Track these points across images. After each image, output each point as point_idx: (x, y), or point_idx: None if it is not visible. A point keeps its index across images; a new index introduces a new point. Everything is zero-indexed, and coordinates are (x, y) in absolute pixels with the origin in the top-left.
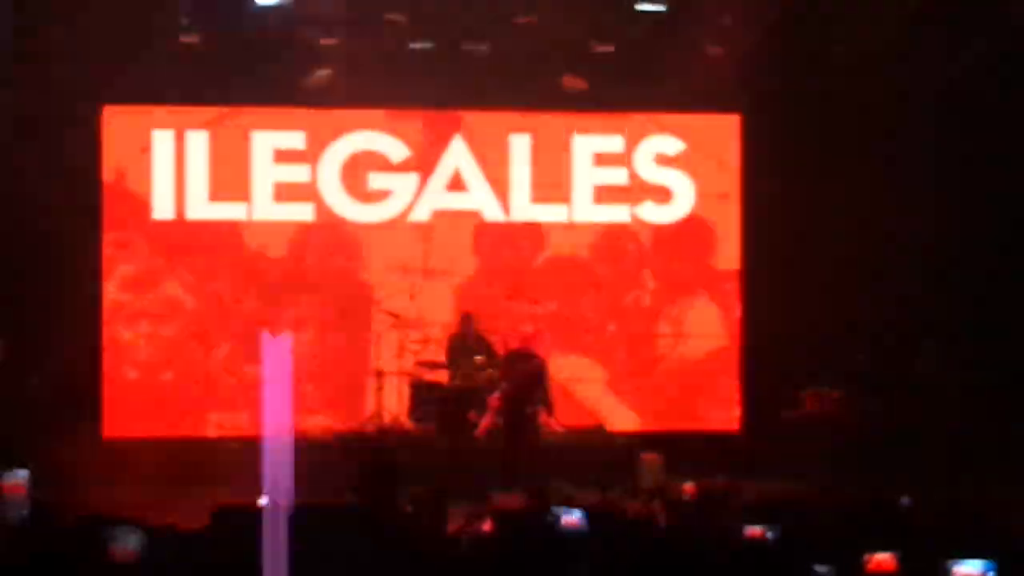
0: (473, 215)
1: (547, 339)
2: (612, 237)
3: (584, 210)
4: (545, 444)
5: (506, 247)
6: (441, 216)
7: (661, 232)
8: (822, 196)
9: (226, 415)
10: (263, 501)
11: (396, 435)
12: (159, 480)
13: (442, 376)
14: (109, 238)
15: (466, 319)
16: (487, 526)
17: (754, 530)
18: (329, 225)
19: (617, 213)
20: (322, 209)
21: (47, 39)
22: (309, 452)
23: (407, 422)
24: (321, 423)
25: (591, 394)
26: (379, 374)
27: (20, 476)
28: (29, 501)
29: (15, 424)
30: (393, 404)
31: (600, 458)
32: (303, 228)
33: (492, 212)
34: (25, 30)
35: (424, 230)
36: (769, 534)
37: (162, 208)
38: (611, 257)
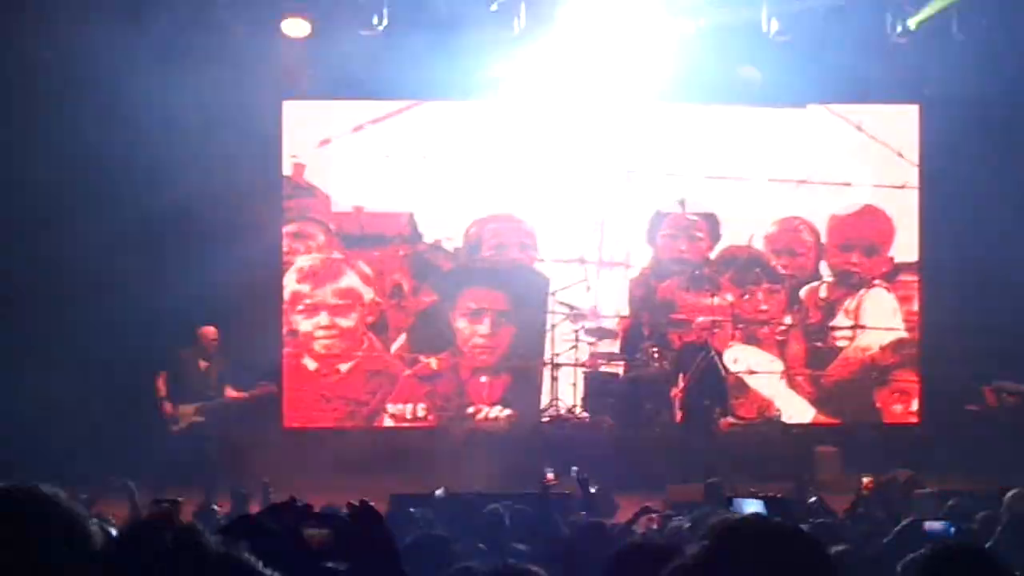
0: (644, 207)
1: (723, 331)
2: (788, 227)
3: (761, 200)
4: (720, 437)
5: (682, 238)
6: (616, 208)
7: (838, 222)
8: (1003, 186)
9: (402, 407)
10: (439, 492)
11: (571, 425)
12: (338, 468)
13: (617, 367)
14: (289, 230)
15: (641, 310)
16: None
17: (933, 524)
18: (505, 217)
19: (794, 203)
20: (498, 201)
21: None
22: (487, 442)
23: (582, 413)
24: (496, 414)
25: (767, 386)
26: (554, 365)
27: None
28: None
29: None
30: (568, 395)
31: (776, 451)
32: (483, 220)
33: (668, 202)
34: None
35: (600, 220)
36: (950, 528)
37: (340, 200)
38: (787, 248)
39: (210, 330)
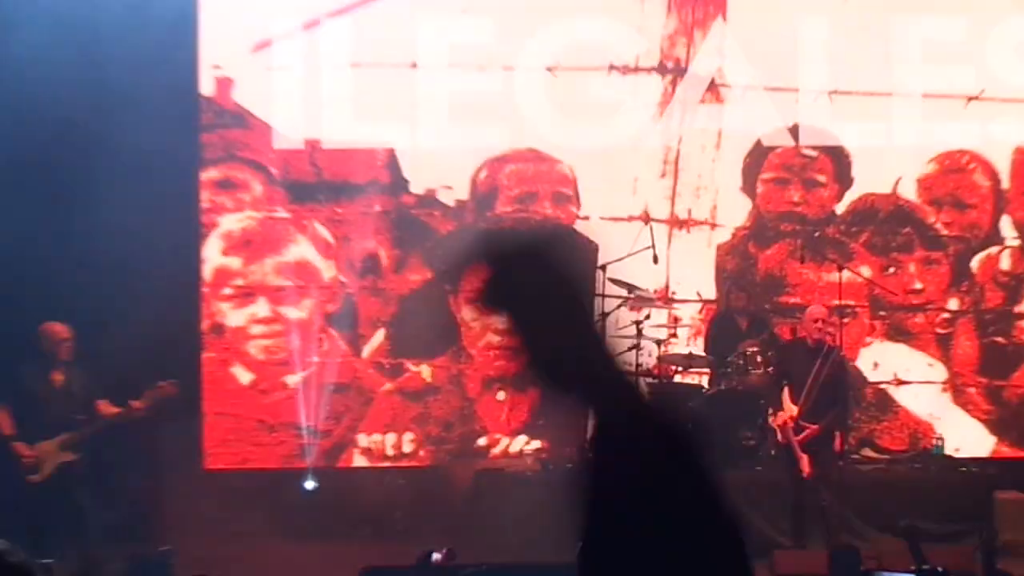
0: (738, 138)
1: (856, 321)
2: (952, 168)
3: (909, 128)
4: (852, 477)
5: (795, 183)
6: (695, 140)
7: None
8: None
9: (379, 437)
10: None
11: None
12: (284, 529)
13: (700, 376)
14: (210, 177)
15: (734, 292)
16: None
17: None
18: (531, 155)
19: (959, 132)
20: (520, 132)
21: None
22: (506, 488)
23: None
24: (520, 447)
25: (923, 403)
26: None
27: None
28: None
29: None
30: None
31: (938, 499)
32: (498, 159)
33: (770, 133)
34: None
35: (670, 162)
36: None
37: (286, 133)
38: (952, 197)
39: (56, 328)
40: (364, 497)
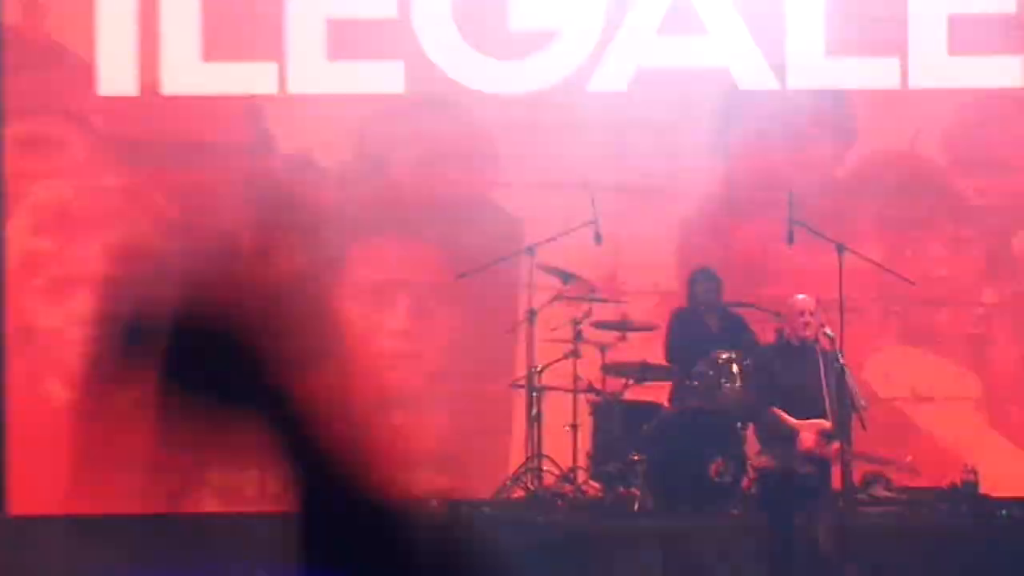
0: (714, 77)
1: (862, 319)
2: (988, 117)
3: (933, 66)
4: (854, 520)
5: (776, 138)
6: (651, 82)
7: None
8: None
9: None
10: None
11: (570, 510)
12: None
13: (657, 393)
14: (14, 133)
15: (702, 282)
16: None
17: None
18: (436, 101)
19: (996, 70)
20: (419, 71)
21: None
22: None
23: (588, 484)
24: (423, 488)
25: (952, 427)
26: (535, 389)
27: None
28: None
29: None
30: (563, 449)
31: (970, 548)
32: (393, 108)
33: (750, 72)
34: None
35: (616, 108)
36: None
37: (115, 76)
38: (986, 157)
39: None
40: (214, 548)
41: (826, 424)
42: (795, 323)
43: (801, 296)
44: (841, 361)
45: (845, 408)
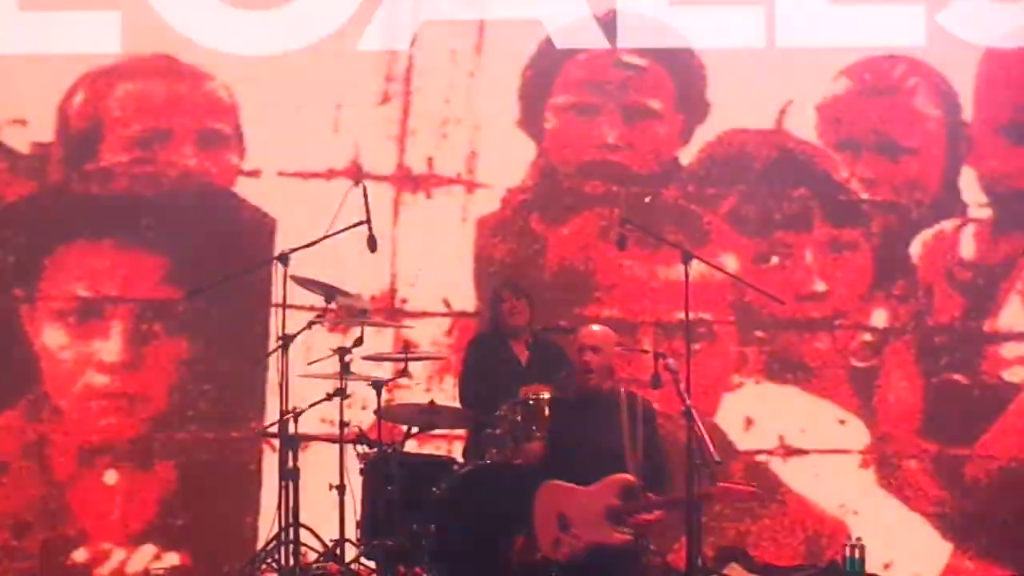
0: (512, 36)
1: (716, 346)
2: (877, 87)
3: (803, 17)
4: None
5: (606, 115)
6: (439, 39)
7: (998, 61)
8: None
9: None
10: None
11: None
12: None
13: (449, 440)
14: None
15: (509, 300)
16: None
17: None
18: (162, 65)
19: (888, 24)
20: (143, 27)
21: None
22: None
23: (357, 567)
24: (154, 564)
25: (829, 486)
26: (288, 438)
27: None
28: None
29: None
30: (324, 520)
31: None
32: (106, 73)
33: (568, 26)
34: None
35: (396, 77)
36: None
37: None
38: (874, 137)
39: None
40: None
41: (628, 480)
42: (577, 361)
43: (596, 327)
44: (687, 403)
45: (661, 466)
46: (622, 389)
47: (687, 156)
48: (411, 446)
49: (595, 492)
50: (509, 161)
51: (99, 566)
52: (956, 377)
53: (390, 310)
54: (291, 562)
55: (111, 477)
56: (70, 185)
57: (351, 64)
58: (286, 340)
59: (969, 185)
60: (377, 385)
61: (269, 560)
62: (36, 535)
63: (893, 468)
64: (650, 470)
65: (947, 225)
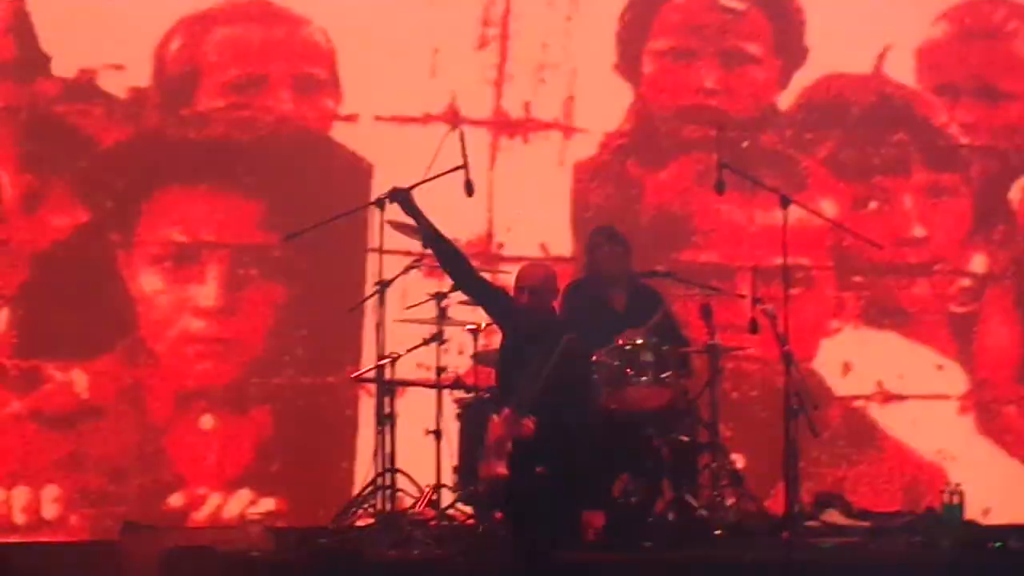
0: None
1: (813, 291)
2: (976, 31)
3: None
4: (802, 553)
5: (704, 60)
6: None
7: None
8: None
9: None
10: None
11: (434, 540)
12: None
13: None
14: None
15: (605, 245)
16: None
17: None
18: (256, 10)
19: None
20: None
21: None
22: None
23: (453, 512)
24: (238, 511)
25: (927, 432)
26: (385, 384)
27: None
28: None
29: None
30: (421, 465)
31: None
32: (202, 18)
33: None
34: None
35: (493, 22)
36: None
37: None
38: (974, 82)
39: None
40: None
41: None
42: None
43: (536, 267)
44: (785, 348)
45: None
46: (553, 329)
47: (785, 101)
48: None
49: (496, 424)
50: (606, 106)
51: (195, 511)
52: None
53: (487, 255)
54: (387, 507)
55: (207, 422)
56: (166, 130)
57: (448, 8)
58: (383, 285)
59: None
60: (474, 330)
61: (365, 506)
62: (132, 480)
63: (992, 414)
64: (549, 408)
65: None
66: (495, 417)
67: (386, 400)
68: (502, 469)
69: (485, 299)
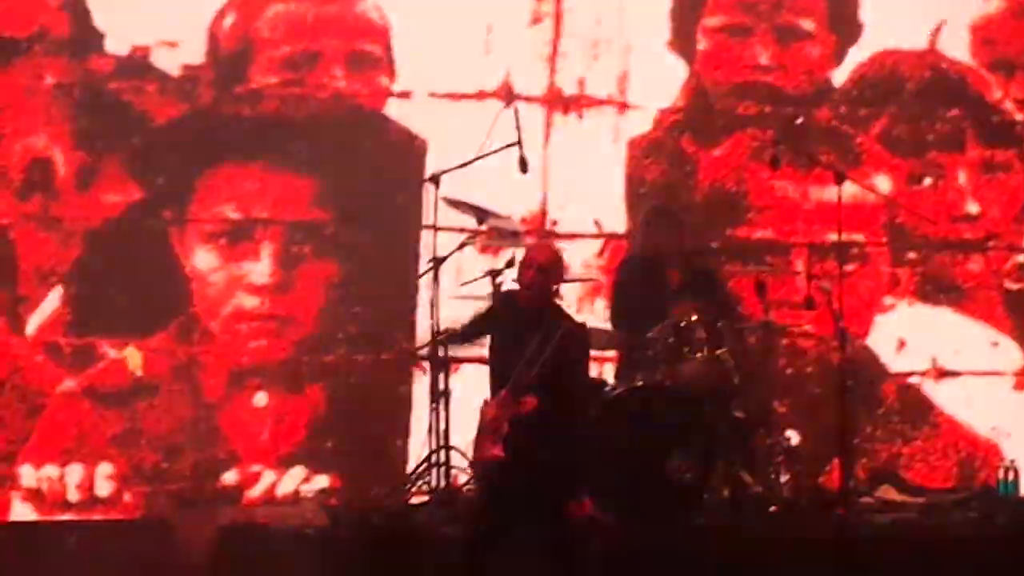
0: None
1: (868, 267)
2: None
3: None
4: (855, 529)
5: (759, 36)
6: None
7: None
8: None
9: (57, 470)
10: None
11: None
12: None
13: (602, 365)
14: None
15: (658, 223)
16: None
17: None
18: None
19: None
20: None
21: None
22: (276, 551)
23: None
24: (295, 487)
25: (983, 409)
26: (439, 360)
27: None
28: None
29: None
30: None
31: (1007, 567)
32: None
33: None
34: None
35: None
36: None
37: None
38: None
39: None
40: (30, 571)
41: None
42: (521, 277)
43: (550, 247)
44: (840, 324)
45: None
46: (551, 313)
47: (839, 77)
48: None
49: (491, 405)
50: (661, 82)
51: (249, 488)
52: None
53: (541, 231)
54: (442, 484)
55: (261, 399)
56: (220, 107)
57: None
58: (437, 262)
59: None
60: None
61: (420, 483)
62: (187, 457)
63: None
64: (547, 394)
65: None
66: (488, 399)
67: (441, 377)
68: (497, 451)
69: (481, 331)
